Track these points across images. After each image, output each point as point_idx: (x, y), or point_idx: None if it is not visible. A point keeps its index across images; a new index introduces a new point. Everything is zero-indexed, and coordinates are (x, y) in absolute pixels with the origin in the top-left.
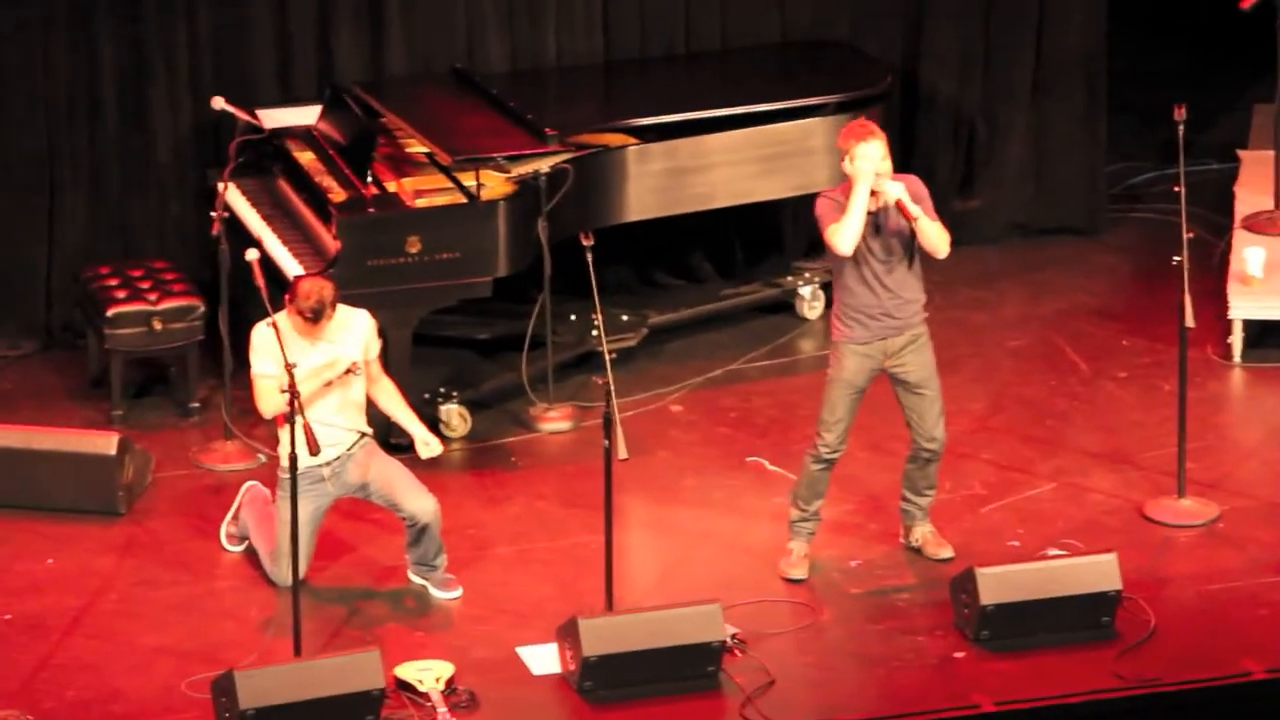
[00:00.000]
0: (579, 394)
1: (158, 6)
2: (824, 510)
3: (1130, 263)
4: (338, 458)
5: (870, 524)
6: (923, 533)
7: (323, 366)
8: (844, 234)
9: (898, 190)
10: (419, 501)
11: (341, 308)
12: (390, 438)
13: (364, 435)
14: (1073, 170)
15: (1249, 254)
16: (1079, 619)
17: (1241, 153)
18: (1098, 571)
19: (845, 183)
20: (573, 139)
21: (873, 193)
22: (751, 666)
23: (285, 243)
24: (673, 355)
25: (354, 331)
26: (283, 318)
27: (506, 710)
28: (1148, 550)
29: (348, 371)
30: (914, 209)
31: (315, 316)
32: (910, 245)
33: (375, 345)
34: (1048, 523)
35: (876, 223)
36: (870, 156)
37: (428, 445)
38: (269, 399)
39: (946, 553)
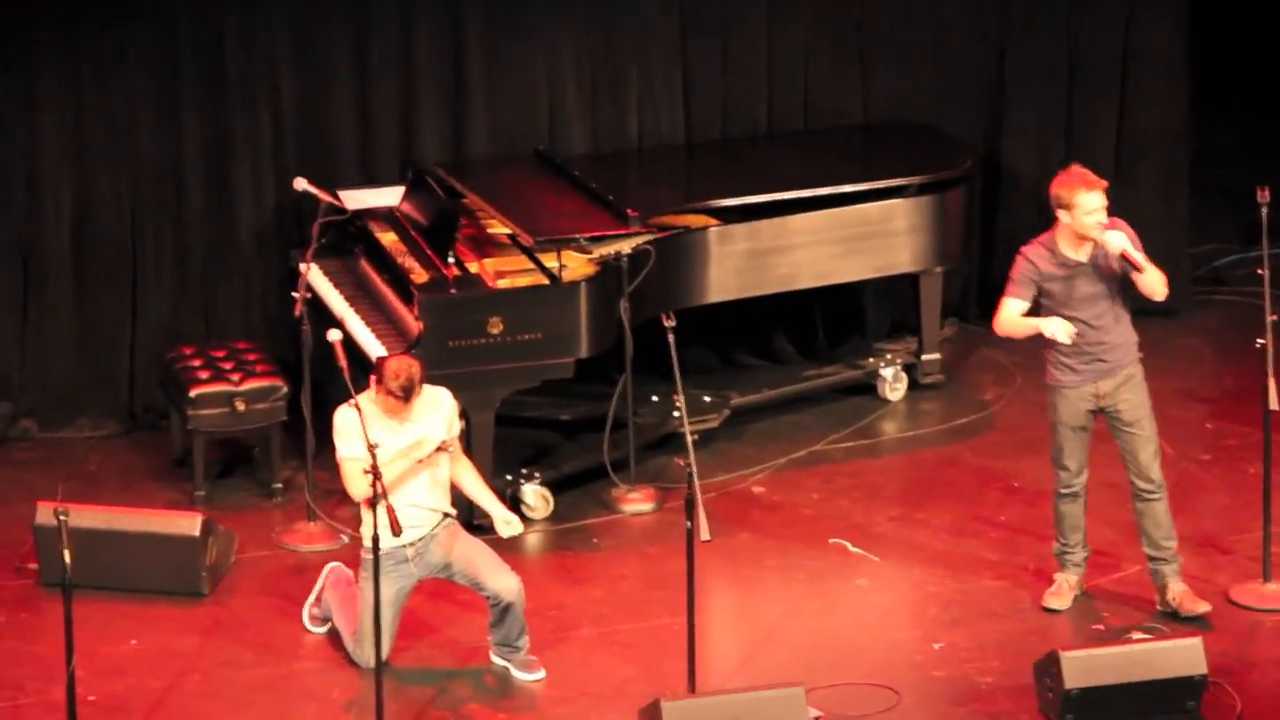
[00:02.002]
0: (661, 475)
1: (241, 88)
2: (907, 592)
3: (1214, 345)
4: (421, 538)
5: (954, 606)
6: (1176, 591)
7: (410, 446)
8: (1002, 327)
9: (1121, 241)
10: (502, 580)
11: (426, 387)
12: (474, 519)
13: (447, 515)
14: (1155, 252)
15: None
16: (1164, 704)
17: None
18: (1183, 656)
19: (1051, 230)
20: (654, 220)
21: (1088, 239)
22: None
23: (368, 324)
24: (755, 436)
25: (441, 410)
26: (365, 399)
27: None
28: (1233, 635)
29: (439, 449)
30: (1139, 258)
31: (406, 395)
32: (1121, 288)
33: (457, 424)
34: (1132, 606)
35: (1089, 269)
36: (1093, 210)
37: (509, 524)
38: (357, 482)
39: (1203, 608)
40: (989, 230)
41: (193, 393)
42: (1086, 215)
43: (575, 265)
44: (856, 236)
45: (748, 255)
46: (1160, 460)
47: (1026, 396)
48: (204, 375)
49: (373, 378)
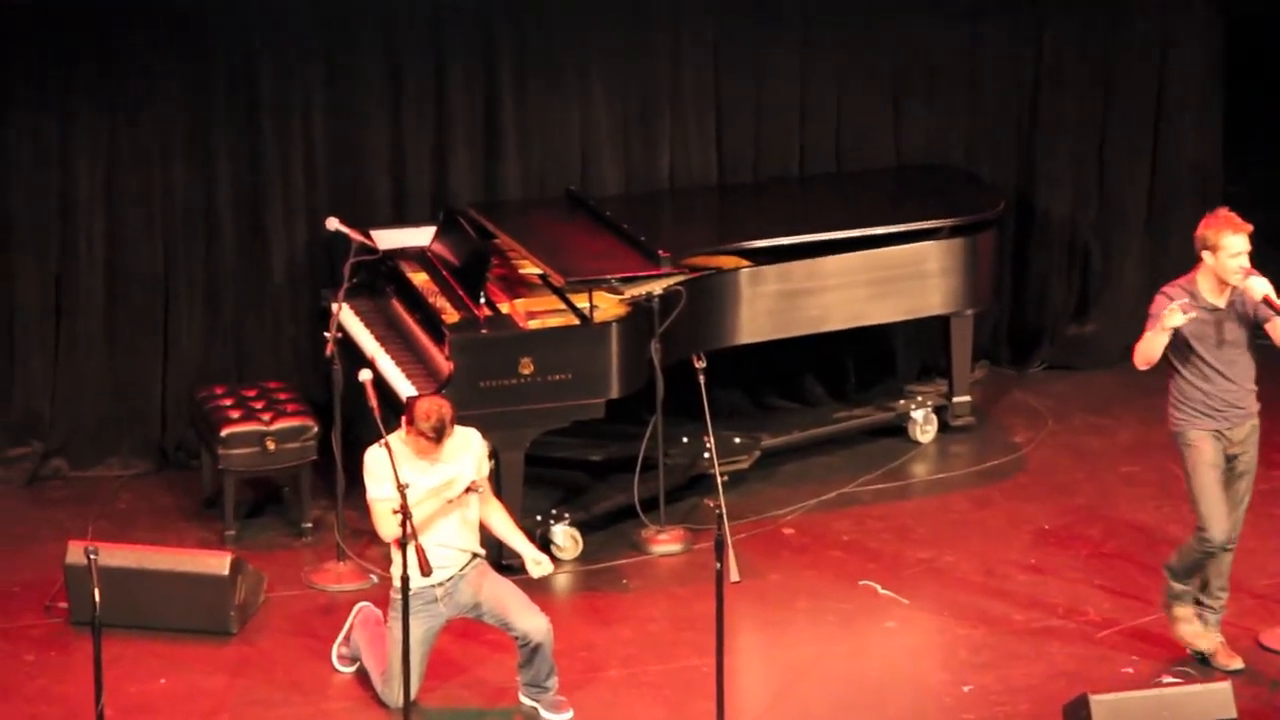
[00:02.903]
0: (691, 516)
1: (274, 128)
2: (936, 634)
3: None
4: (451, 578)
5: (984, 649)
6: (1213, 642)
7: (441, 486)
8: (1141, 353)
9: (1265, 287)
10: (531, 620)
11: (456, 428)
12: (502, 559)
13: (477, 556)
14: None
15: None
16: None
17: None
18: (1213, 700)
19: (1191, 273)
20: (686, 261)
21: (1225, 286)
22: None
23: (398, 363)
24: (785, 478)
25: (471, 450)
26: (396, 440)
27: None
28: (1263, 679)
29: (469, 490)
30: None
31: (437, 435)
32: (1252, 336)
33: (486, 465)
34: (1162, 650)
35: (1229, 315)
36: (1237, 253)
37: (539, 564)
38: (387, 522)
39: (1237, 664)
40: (1020, 273)
41: (224, 432)
42: (1231, 258)
43: (606, 306)
44: (888, 279)
45: (779, 296)
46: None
47: (1057, 439)
48: (235, 414)
49: (404, 418)
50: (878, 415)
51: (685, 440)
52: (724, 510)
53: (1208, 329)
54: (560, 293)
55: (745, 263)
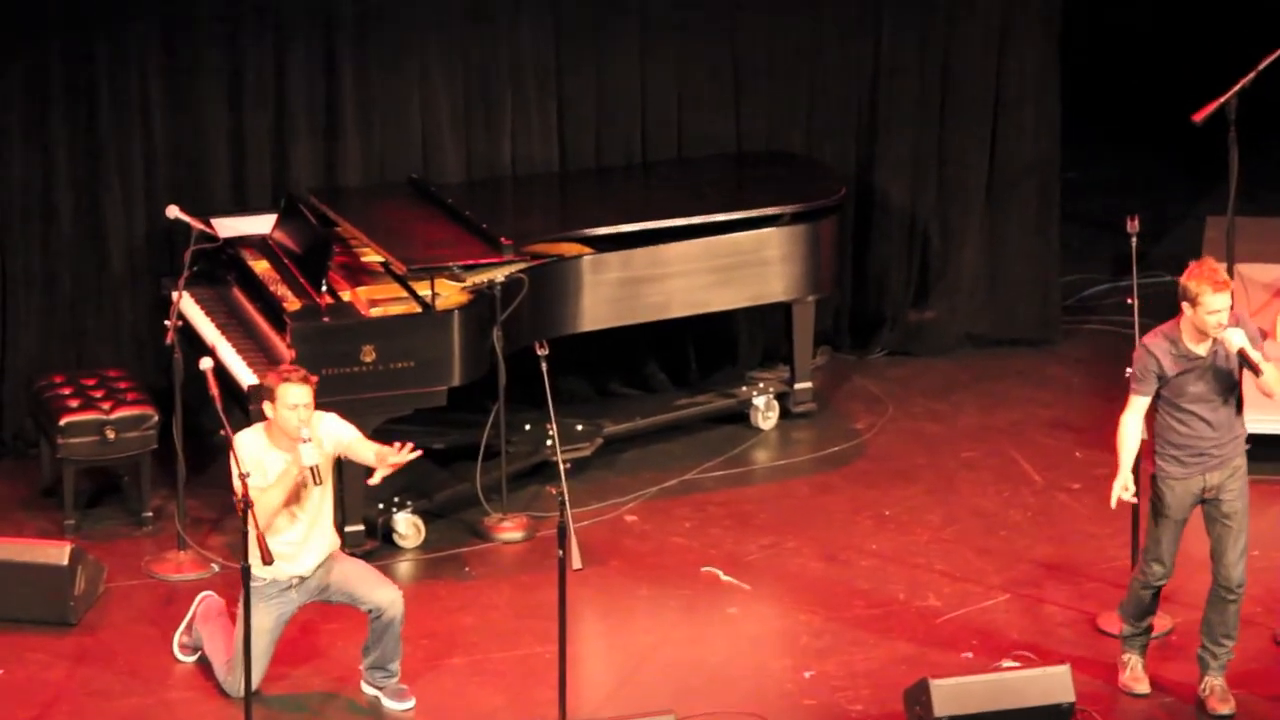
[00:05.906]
0: (533, 504)
1: (113, 114)
2: (778, 620)
3: (1084, 374)
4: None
5: (825, 635)
6: (1212, 684)
7: (286, 470)
8: (1120, 432)
9: (1241, 339)
10: (382, 592)
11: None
12: (344, 545)
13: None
14: (1026, 281)
15: None
16: None
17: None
18: (1052, 683)
19: (1175, 320)
20: (528, 248)
21: (1206, 336)
22: None
23: (240, 352)
24: (627, 465)
25: (325, 432)
26: (257, 432)
27: None
28: (1101, 662)
29: (315, 476)
30: (1257, 358)
31: (305, 378)
32: (1235, 383)
33: (348, 431)
34: (1001, 634)
35: (1209, 365)
36: (1216, 310)
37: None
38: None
39: (1227, 709)
40: (861, 260)
41: (63, 421)
42: (1209, 315)
43: (448, 293)
44: (730, 265)
45: (621, 284)
46: (1245, 561)
47: (898, 425)
48: (74, 403)
49: (264, 402)
50: (720, 402)
51: (528, 427)
52: (566, 497)
53: (1190, 378)
54: (402, 280)
55: (587, 250)
